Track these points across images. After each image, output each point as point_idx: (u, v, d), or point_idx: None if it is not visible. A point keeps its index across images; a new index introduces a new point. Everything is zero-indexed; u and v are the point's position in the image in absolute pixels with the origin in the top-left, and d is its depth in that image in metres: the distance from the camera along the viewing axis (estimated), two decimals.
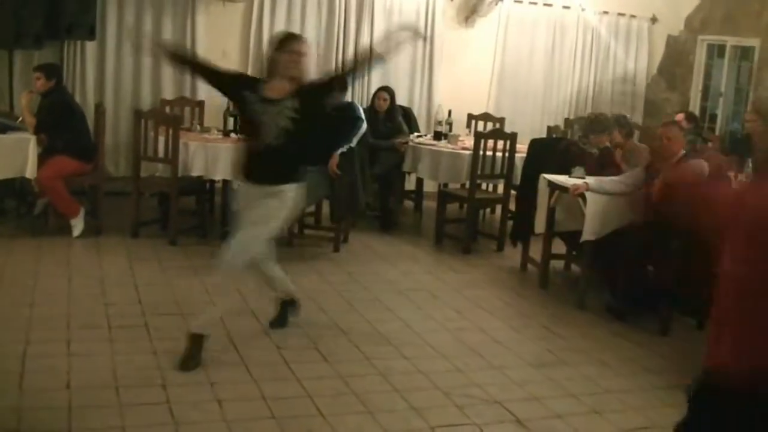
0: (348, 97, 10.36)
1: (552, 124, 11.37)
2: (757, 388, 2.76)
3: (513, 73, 11.95)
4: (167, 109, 9.60)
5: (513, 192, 9.06)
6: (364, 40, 11.02)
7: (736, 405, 2.84)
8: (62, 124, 8.27)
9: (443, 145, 9.57)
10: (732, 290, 2.83)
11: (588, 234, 7.16)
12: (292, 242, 8.54)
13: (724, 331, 2.71)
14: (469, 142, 9.17)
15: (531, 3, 11.91)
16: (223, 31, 10.54)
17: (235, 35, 10.68)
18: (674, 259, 6.75)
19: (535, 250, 8.16)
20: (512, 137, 8.87)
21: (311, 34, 10.73)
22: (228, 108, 9.05)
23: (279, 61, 5.45)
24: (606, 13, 12.31)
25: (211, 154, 8.31)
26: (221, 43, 10.51)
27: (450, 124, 10.22)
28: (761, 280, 2.75)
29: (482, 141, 8.72)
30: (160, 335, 5.92)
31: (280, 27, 10.61)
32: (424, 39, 4.65)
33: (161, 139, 8.24)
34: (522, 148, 8.91)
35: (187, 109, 9.95)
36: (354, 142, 8.24)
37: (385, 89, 10.01)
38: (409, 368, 5.71)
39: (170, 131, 8.14)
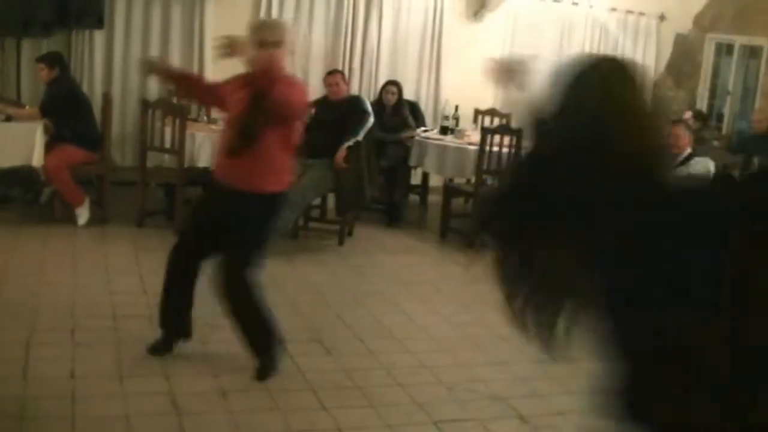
0: (355, 91, 10.36)
1: None
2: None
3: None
4: (174, 100, 9.61)
5: None
6: (372, 33, 11.01)
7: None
8: (67, 112, 8.27)
9: (450, 140, 9.57)
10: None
11: None
12: (297, 234, 8.54)
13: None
14: (476, 137, 9.16)
15: None
16: (233, 21, 10.49)
17: (244, 26, 10.61)
18: None
19: None
20: (519, 133, 8.85)
21: (319, 26, 10.74)
22: None
23: None
24: (614, 10, 12.29)
25: (218, 145, 8.30)
26: (229, 33, 10.49)
27: (457, 119, 10.22)
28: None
29: (489, 136, 8.72)
30: None
31: (289, 19, 10.61)
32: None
33: (168, 130, 8.25)
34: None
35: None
36: (361, 136, 8.26)
37: (393, 83, 10.02)
38: (412, 362, 5.72)
39: (177, 122, 8.15)
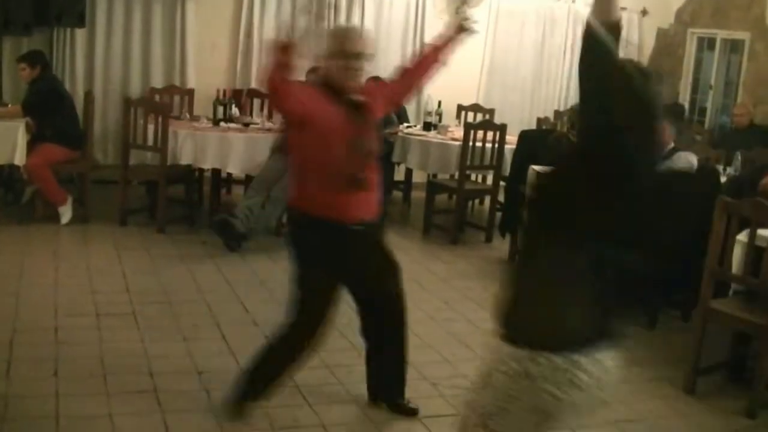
0: None
1: (542, 115, 11.38)
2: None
3: (503, 65, 11.95)
4: (156, 98, 9.58)
5: (502, 183, 9.06)
6: None
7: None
8: (50, 110, 8.24)
9: (433, 136, 9.57)
10: None
11: None
12: (280, 231, 8.52)
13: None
14: (459, 132, 9.17)
15: None
16: (213, 21, 10.51)
17: (225, 26, 10.64)
18: (662, 252, 6.75)
19: None
20: (502, 128, 8.87)
21: (301, 24, 10.71)
22: (218, 97, 9.03)
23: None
24: None
25: (200, 142, 8.30)
26: (211, 34, 10.48)
27: (440, 115, 10.21)
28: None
29: (472, 132, 8.72)
30: (147, 323, 5.92)
31: (270, 16, 10.60)
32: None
33: (150, 128, 8.23)
34: (512, 139, 8.91)
35: (177, 98, 9.93)
36: None
37: (376, 79, 9.99)
38: None
39: (159, 119, 8.13)
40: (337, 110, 4.28)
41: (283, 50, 3.97)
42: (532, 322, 2.95)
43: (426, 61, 4.93)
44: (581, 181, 2.92)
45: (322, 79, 4.40)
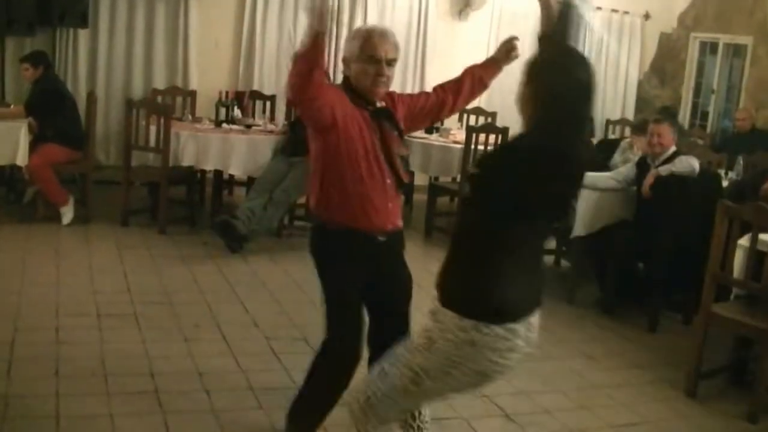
0: None
1: None
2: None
3: (506, 68, 11.87)
4: (159, 99, 9.58)
5: None
6: None
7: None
8: (52, 110, 8.24)
9: (435, 139, 9.57)
10: None
11: (578, 229, 7.16)
12: (281, 233, 8.52)
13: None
14: (461, 135, 9.17)
15: None
16: (216, 20, 10.50)
17: (228, 28, 10.63)
18: (664, 255, 6.77)
19: None
20: (504, 131, 8.86)
21: (304, 25, 10.69)
22: (220, 99, 9.03)
23: None
24: (599, 8, 12.29)
25: (202, 144, 8.30)
26: (214, 33, 10.48)
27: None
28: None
29: (474, 135, 8.72)
30: (148, 324, 5.92)
31: (273, 18, 10.60)
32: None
33: (152, 129, 8.23)
34: None
35: (179, 99, 9.94)
36: None
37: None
38: None
39: (161, 121, 8.13)
40: (362, 116, 4.04)
41: (315, 39, 3.58)
42: (479, 296, 3.18)
43: (471, 82, 4.81)
44: (524, 161, 3.18)
45: (346, 82, 4.14)
